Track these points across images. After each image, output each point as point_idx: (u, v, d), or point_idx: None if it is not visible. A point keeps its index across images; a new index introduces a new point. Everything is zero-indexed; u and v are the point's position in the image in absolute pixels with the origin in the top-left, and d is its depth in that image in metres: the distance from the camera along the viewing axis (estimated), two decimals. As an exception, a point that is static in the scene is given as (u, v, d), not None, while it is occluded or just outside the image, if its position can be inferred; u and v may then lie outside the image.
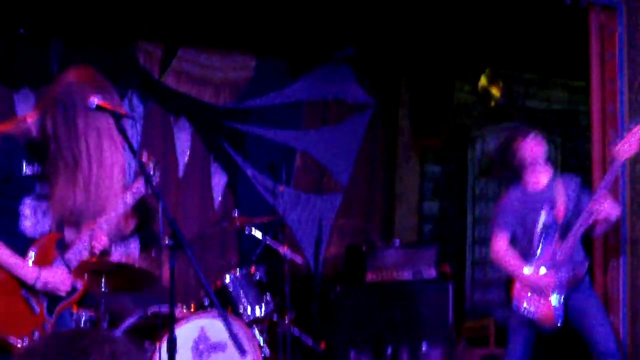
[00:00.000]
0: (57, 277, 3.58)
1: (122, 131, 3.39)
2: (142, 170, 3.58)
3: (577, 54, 6.11)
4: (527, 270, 4.83)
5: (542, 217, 4.83)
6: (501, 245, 5.02)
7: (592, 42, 5.54)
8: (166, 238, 3.38)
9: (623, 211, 5.11)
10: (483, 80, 8.36)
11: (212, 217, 7.09)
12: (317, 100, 7.75)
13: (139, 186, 3.82)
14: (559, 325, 4.72)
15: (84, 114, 3.45)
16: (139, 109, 6.77)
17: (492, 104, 8.44)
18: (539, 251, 4.82)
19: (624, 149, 4.58)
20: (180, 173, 7.02)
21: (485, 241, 8.27)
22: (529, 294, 4.81)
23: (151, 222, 5.60)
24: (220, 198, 7.18)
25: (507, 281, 5.07)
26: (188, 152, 7.04)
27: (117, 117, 3.40)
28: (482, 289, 8.13)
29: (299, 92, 7.64)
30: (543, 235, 4.82)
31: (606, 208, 4.64)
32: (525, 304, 4.82)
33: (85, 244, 3.69)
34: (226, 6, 6.58)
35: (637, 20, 5.46)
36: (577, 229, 4.71)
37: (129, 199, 3.80)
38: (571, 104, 8.85)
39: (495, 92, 8.42)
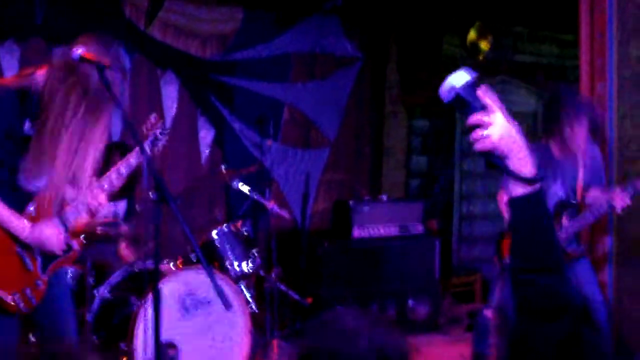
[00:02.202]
0: (52, 235, 3.55)
1: (107, 84, 3.32)
2: (135, 138, 3.51)
3: (566, 7, 6.06)
4: None
5: (558, 190, 4.82)
6: None
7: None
8: (150, 192, 3.35)
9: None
10: (472, 34, 8.29)
11: (199, 171, 7.05)
12: (304, 53, 7.68)
13: (134, 158, 3.74)
14: None
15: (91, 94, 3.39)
16: (126, 61, 6.68)
17: (481, 57, 8.38)
18: None
19: None
20: (167, 126, 6.96)
21: (473, 196, 8.28)
22: None
23: (139, 180, 5.56)
24: (207, 152, 7.14)
25: (499, 236, 5.06)
26: (175, 106, 6.98)
27: (101, 69, 3.33)
28: (469, 245, 8.15)
29: (287, 44, 7.56)
30: (555, 208, 4.83)
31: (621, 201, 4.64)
32: None
33: (84, 203, 3.64)
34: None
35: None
36: (589, 217, 4.75)
37: (124, 170, 3.73)
38: (560, 59, 8.80)
39: (484, 45, 8.35)
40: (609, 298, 5.21)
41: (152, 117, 3.86)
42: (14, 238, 3.50)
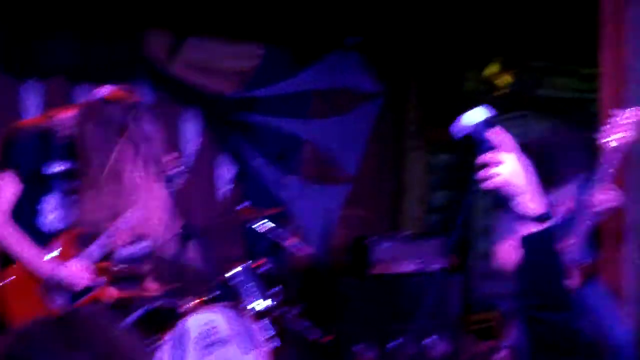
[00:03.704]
0: (77, 271, 3.55)
1: (134, 121, 3.33)
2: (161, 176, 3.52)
3: (586, 41, 6.05)
4: None
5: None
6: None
7: (604, 28, 5.49)
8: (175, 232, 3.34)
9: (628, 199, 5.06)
10: (492, 69, 8.29)
11: (217, 208, 7.05)
12: (325, 89, 7.70)
13: (156, 196, 3.74)
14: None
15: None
16: (147, 99, 6.71)
17: (502, 92, 8.37)
18: None
19: (613, 138, 4.39)
20: (188, 163, 6.97)
21: (490, 232, 8.22)
22: None
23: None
24: (227, 189, 7.14)
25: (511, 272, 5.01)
26: (195, 143, 7.00)
27: (126, 107, 3.35)
28: (488, 281, 8.07)
29: (307, 81, 7.59)
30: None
31: (605, 200, 4.48)
32: None
33: (107, 242, 3.65)
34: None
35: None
36: (579, 226, 4.61)
37: (145, 208, 3.73)
38: (579, 92, 8.78)
39: (504, 80, 8.35)
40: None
41: (170, 156, 3.86)
42: (36, 278, 3.51)
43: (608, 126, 4.42)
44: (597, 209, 4.50)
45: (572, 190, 4.77)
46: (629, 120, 4.37)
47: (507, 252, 4.94)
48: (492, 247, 5.02)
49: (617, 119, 4.39)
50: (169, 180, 3.79)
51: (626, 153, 4.55)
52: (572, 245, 4.61)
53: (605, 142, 4.41)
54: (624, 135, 4.36)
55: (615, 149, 4.40)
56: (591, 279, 4.78)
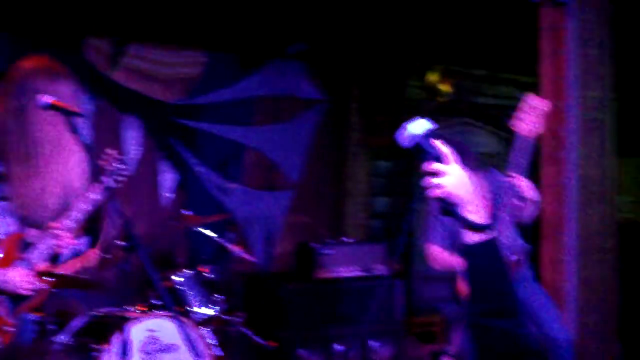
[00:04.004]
0: (18, 276, 3.51)
1: (75, 130, 3.31)
2: (100, 171, 3.51)
3: (525, 50, 6.16)
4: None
5: None
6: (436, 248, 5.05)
7: (543, 39, 5.59)
8: (119, 239, 3.31)
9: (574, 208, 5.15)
10: (432, 77, 8.39)
11: (161, 215, 7.01)
12: (268, 96, 7.71)
13: (96, 192, 3.72)
14: None
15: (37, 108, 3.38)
16: (89, 106, 6.65)
17: (442, 100, 8.47)
18: None
19: (524, 125, 4.40)
20: (130, 171, 6.90)
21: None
22: None
23: (100, 220, 5.49)
24: (169, 196, 7.10)
25: (454, 276, 5.05)
26: (137, 150, 6.94)
27: (70, 115, 3.32)
28: (429, 285, 8.15)
29: (250, 88, 7.59)
30: None
31: (525, 186, 4.49)
32: None
33: (49, 244, 3.61)
34: (176, 1, 6.50)
35: (588, 17, 5.52)
36: (502, 210, 4.56)
37: (84, 205, 3.70)
38: (518, 100, 8.91)
39: (444, 88, 8.45)
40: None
41: (110, 151, 3.83)
42: None
43: (519, 113, 4.48)
44: (517, 192, 4.49)
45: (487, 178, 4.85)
46: (536, 109, 4.43)
47: (439, 255, 5.04)
48: (424, 248, 5.11)
49: (527, 107, 4.45)
50: (107, 175, 3.74)
51: (538, 147, 4.60)
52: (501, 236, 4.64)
53: (516, 129, 4.47)
54: (533, 123, 4.43)
55: (525, 136, 4.45)
56: (523, 273, 4.81)
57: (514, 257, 4.68)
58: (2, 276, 3.49)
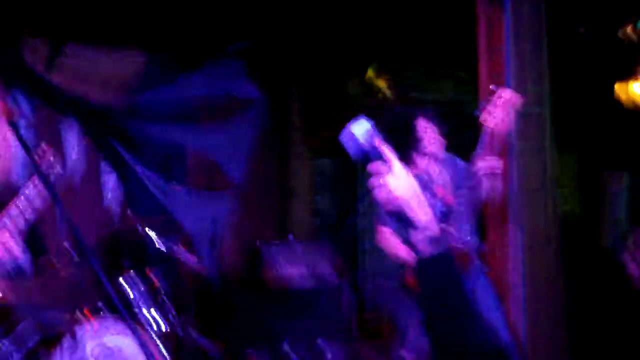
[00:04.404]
0: None
1: (16, 130, 3.25)
2: (37, 170, 3.45)
3: (463, 45, 6.23)
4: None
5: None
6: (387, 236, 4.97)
7: (480, 34, 5.67)
8: (66, 246, 3.27)
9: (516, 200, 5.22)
10: (370, 73, 8.43)
11: (103, 218, 6.92)
12: (208, 95, 7.65)
13: (33, 188, 3.66)
14: None
15: None
16: (26, 108, 6.55)
17: (380, 96, 8.52)
18: None
19: (492, 118, 4.45)
20: (69, 173, 6.81)
21: (374, 233, 8.37)
22: None
23: (40, 227, 5.41)
24: (110, 198, 7.02)
25: (401, 269, 5.04)
26: (76, 151, 6.85)
27: (11, 123, 3.27)
28: (374, 280, 8.21)
29: (189, 87, 7.52)
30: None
31: (486, 167, 4.51)
32: None
33: None
34: (114, 1, 6.45)
35: (523, 11, 5.61)
36: (460, 199, 4.65)
37: (24, 204, 3.64)
38: (456, 95, 9.02)
39: (382, 84, 8.50)
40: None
41: (42, 147, 3.78)
42: None
43: (486, 104, 4.50)
44: (481, 173, 4.53)
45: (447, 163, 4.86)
46: (503, 100, 4.46)
47: (390, 238, 4.97)
48: (375, 227, 5.04)
49: (494, 98, 4.47)
50: (43, 177, 3.68)
51: (504, 138, 4.64)
52: (458, 229, 4.68)
53: (484, 122, 4.50)
54: (502, 117, 4.45)
55: (492, 127, 4.48)
56: (475, 267, 4.82)
57: (465, 251, 4.71)
58: None
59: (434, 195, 4.71)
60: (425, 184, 4.72)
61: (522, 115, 5.50)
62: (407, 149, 4.74)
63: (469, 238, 4.82)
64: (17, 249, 3.73)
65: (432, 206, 4.55)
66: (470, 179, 4.60)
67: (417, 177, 4.48)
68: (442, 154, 4.88)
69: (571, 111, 7.88)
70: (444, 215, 4.72)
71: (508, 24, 5.57)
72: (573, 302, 5.80)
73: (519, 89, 5.51)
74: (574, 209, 8.84)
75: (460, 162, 4.92)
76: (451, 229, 4.67)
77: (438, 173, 4.82)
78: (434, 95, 8.97)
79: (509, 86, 5.51)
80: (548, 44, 5.65)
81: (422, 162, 4.82)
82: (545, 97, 5.64)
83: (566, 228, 5.86)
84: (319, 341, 6.67)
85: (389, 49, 8.00)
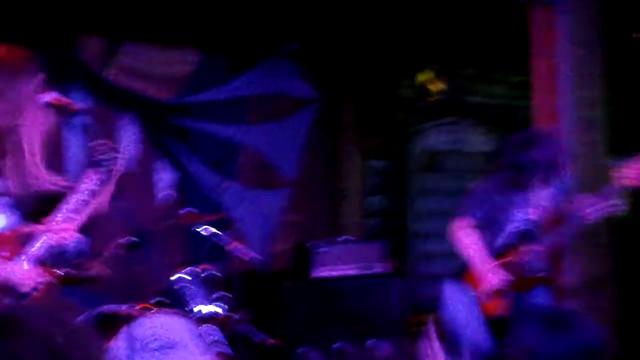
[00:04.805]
0: (19, 274, 3.49)
1: (72, 127, 3.34)
2: (95, 164, 3.53)
3: (516, 49, 6.22)
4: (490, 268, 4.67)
5: (518, 217, 4.67)
6: (467, 231, 4.84)
7: (533, 38, 5.66)
8: (121, 237, 3.34)
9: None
10: (424, 76, 8.44)
11: (159, 214, 7.02)
12: (261, 95, 7.72)
13: (91, 182, 3.74)
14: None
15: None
16: (84, 104, 6.65)
17: (433, 99, 8.53)
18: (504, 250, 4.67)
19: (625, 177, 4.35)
20: (126, 168, 6.91)
21: (426, 235, 8.36)
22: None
23: (98, 220, 5.51)
24: (165, 195, 7.11)
25: (459, 272, 4.94)
26: (133, 147, 6.94)
27: (68, 114, 3.35)
28: (426, 284, 8.19)
29: (243, 87, 7.61)
30: (513, 236, 4.66)
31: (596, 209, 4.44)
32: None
33: (48, 238, 3.60)
34: (170, 0, 6.54)
35: (576, 16, 5.58)
36: (559, 237, 4.58)
37: (81, 196, 3.72)
38: (509, 99, 8.99)
39: (435, 88, 8.51)
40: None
41: (103, 141, 3.86)
42: None
43: (625, 167, 4.43)
44: (589, 216, 4.46)
45: (549, 194, 4.78)
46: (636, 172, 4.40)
47: (461, 231, 4.88)
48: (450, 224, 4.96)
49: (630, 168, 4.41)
50: (99, 165, 3.76)
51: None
52: (536, 252, 4.63)
53: (618, 179, 4.37)
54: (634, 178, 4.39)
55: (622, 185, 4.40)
56: (539, 290, 4.70)
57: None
58: (5, 272, 3.47)
59: (529, 209, 4.70)
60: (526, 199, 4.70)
61: (576, 120, 5.49)
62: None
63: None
64: (77, 240, 3.80)
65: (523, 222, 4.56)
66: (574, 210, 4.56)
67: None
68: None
69: (628, 116, 7.81)
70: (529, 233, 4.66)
71: (561, 29, 5.55)
72: (623, 304, 5.75)
73: (574, 93, 5.50)
74: (627, 212, 8.73)
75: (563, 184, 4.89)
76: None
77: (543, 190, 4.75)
78: (486, 100, 8.95)
79: (563, 90, 5.49)
80: (603, 49, 5.61)
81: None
82: (599, 102, 5.59)
83: (618, 231, 5.79)
84: (369, 341, 6.69)
85: (442, 52, 7.99)
